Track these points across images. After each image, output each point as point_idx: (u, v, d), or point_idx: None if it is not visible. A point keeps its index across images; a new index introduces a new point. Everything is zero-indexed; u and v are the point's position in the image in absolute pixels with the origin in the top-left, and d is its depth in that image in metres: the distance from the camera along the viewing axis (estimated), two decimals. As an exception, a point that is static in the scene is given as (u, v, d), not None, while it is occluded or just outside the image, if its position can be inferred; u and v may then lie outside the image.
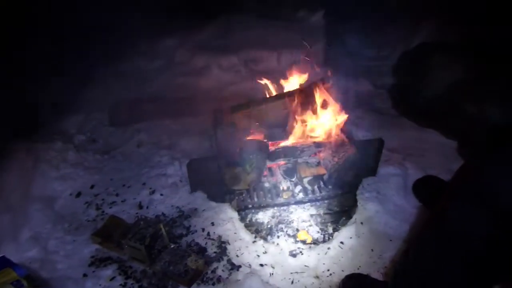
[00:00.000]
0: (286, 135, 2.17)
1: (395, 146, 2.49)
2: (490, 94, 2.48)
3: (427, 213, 1.92)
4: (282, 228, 2.04)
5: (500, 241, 0.97)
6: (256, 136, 2.14)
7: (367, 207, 2.03)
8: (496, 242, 0.97)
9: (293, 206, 2.15)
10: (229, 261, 1.79)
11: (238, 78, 3.26)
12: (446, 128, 2.56)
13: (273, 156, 2.08)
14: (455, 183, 1.08)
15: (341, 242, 1.90)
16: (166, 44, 3.95)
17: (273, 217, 2.12)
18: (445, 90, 2.74)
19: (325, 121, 2.16)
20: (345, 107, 2.94)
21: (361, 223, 1.98)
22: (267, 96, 2.35)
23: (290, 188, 2.12)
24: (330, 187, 2.13)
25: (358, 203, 2.08)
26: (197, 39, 3.92)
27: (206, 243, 1.88)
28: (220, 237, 1.91)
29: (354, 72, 3.75)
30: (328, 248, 1.89)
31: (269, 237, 1.98)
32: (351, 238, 1.92)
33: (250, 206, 2.09)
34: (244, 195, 2.11)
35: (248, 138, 2.11)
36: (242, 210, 2.11)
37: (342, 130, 2.19)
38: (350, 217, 2.04)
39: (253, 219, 2.11)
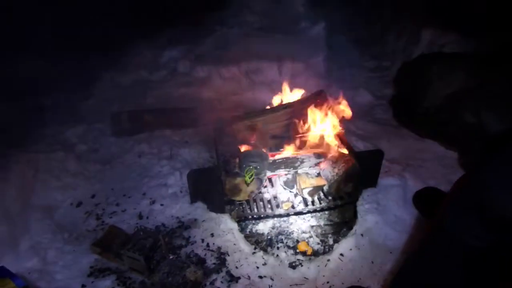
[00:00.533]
0: (286, 146, 2.17)
1: (395, 156, 2.49)
2: (488, 103, 2.49)
3: (426, 224, 1.91)
4: (282, 239, 2.03)
5: (498, 249, 0.97)
6: (257, 146, 2.15)
7: (367, 218, 2.02)
8: (494, 249, 0.97)
9: (293, 217, 2.14)
10: (228, 272, 1.78)
11: (239, 89, 3.29)
12: (446, 138, 2.56)
13: (273, 166, 2.09)
14: (453, 193, 1.08)
15: (341, 254, 1.89)
16: (169, 55, 3.99)
17: (273, 228, 2.12)
18: (444, 100, 2.76)
19: (325, 132, 2.16)
20: (345, 118, 2.96)
21: (361, 234, 1.97)
22: (268, 107, 2.36)
23: (290, 199, 2.12)
24: (330, 198, 2.12)
25: (358, 215, 2.07)
26: (199, 50, 3.96)
27: (205, 254, 1.88)
28: (219, 248, 1.91)
29: (355, 83, 3.78)
30: (328, 260, 1.88)
31: (269, 248, 1.97)
32: (351, 249, 1.91)
33: (250, 217, 2.09)
34: (244, 205, 2.11)
35: (248, 148, 2.12)
36: (242, 221, 2.11)
37: (342, 141, 2.20)
38: (351, 229, 2.03)
39: (253, 230, 2.10)
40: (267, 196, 2.16)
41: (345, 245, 1.94)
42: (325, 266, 1.85)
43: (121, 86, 3.64)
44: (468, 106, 2.59)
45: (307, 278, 1.79)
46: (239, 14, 4.27)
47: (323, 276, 1.80)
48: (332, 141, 2.15)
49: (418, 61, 3.25)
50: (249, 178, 2.05)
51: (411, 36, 3.89)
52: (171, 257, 1.85)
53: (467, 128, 2.49)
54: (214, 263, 1.83)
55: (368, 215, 2.04)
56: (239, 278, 1.76)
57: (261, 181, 2.08)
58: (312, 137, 2.17)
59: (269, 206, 2.10)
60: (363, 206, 2.10)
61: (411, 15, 4.21)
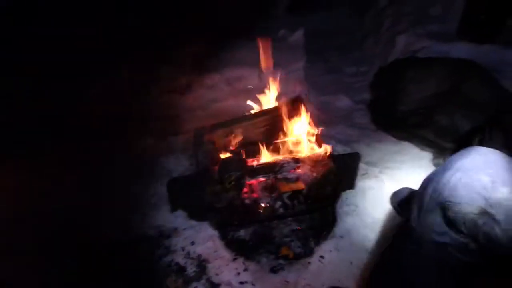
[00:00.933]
0: (265, 152, 2.20)
1: (373, 159, 2.54)
2: (461, 106, 2.58)
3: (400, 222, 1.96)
4: (263, 244, 2.04)
5: (468, 246, 1.00)
6: (236, 154, 2.16)
7: (346, 220, 2.06)
8: (464, 246, 1.00)
9: (274, 222, 2.16)
10: (208, 280, 1.78)
11: (221, 96, 3.31)
12: (421, 141, 2.63)
13: (253, 172, 2.11)
14: (418, 192, 1.12)
15: (321, 256, 1.92)
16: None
17: (254, 233, 2.12)
18: (419, 104, 2.84)
19: (303, 137, 2.20)
20: (323, 123, 3.01)
21: (341, 236, 2.00)
22: (247, 114, 2.39)
23: (270, 204, 2.13)
24: (309, 201, 2.15)
25: (337, 217, 2.11)
26: (181, 58, 3.98)
27: (185, 263, 1.87)
28: (200, 256, 1.91)
29: (335, 89, 3.86)
30: (309, 263, 1.90)
31: (250, 254, 1.98)
32: (331, 251, 1.94)
33: (230, 223, 2.10)
34: (224, 212, 2.11)
35: (228, 155, 2.14)
36: (222, 228, 2.11)
37: (320, 145, 2.24)
38: (330, 231, 2.06)
39: (234, 236, 2.10)
40: (247, 202, 2.17)
41: (325, 248, 1.97)
42: (306, 269, 1.87)
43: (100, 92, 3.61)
44: (442, 109, 2.68)
45: (288, 282, 1.81)
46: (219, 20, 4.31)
47: (304, 279, 1.82)
48: (310, 145, 2.19)
49: (393, 66, 3.35)
50: (229, 184, 2.06)
51: (388, 41, 4.01)
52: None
53: (441, 130, 2.57)
54: (194, 271, 1.82)
55: (347, 217, 2.07)
56: (219, 285, 1.76)
57: (241, 187, 2.09)
58: (290, 142, 2.20)
59: (249, 211, 2.11)
60: (342, 208, 2.13)
61: (388, 21, 4.35)
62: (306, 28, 4.38)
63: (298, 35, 3.87)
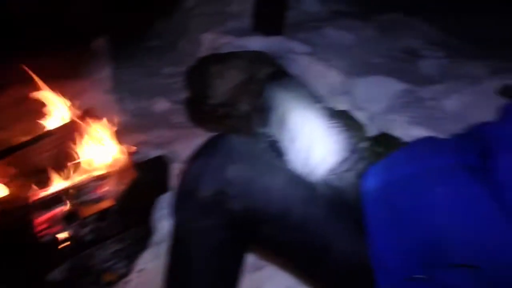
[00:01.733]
0: (57, 177, 1.94)
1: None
2: (256, 94, 2.90)
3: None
4: (81, 279, 1.84)
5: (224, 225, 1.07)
6: (18, 187, 1.84)
7: (163, 225, 2.03)
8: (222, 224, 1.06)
9: (90, 249, 1.96)
10: None
11: (5, 121, 2.78)
12: (230, 129, 2.83)
13: (44, 205, 1.84)
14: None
15: (141, 270, 1.85)
16: None
17: (70, 270, 1.88)
18: (224, 96, 3.06)
19: (101, 151, 2.04)
20: (140, 129, 2.89)
21: (159, 243, 1.96)
22: (29, 138, 2.06)
23: (75, 233, 1.91)
24: (123, 217, 2.03)
25: (154, 224, 2.06)
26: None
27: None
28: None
29: (151, 92, 3.78)
30: (130, 280, 1.81)
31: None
32: (151, 261, 1.89)
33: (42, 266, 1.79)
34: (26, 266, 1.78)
35: (6, 191, 1.79)
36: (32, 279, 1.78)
37: (125, 154, 2.13)
38: (149, 241, 2.00)
39: (48, 281, 1.81)
40: (49, 238, 1.89)
41: (146, 259, 1.91)
42: (129, 286, 1.77)
43: None
44: (242, 98, 2.95)
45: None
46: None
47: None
48: (111, 158, 2.05)
49: (200, 63, 3.50)
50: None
51: (196, 41, 4.16)
52: None
53: (243, 117, 2.83)
54: None
55: (163, 221, 2.04)
56: None
57: (31, 227, 1.80)
58: (87, 160, 2.01)
59: (52, 251, 1.84)
60: (158, 214, 2.09)
61: (194, 22, 4.53)
62: (113, 31, 4.14)
63: (100, 41, 3.59)
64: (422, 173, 0.96)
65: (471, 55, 3.61)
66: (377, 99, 3.00)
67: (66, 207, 1.88)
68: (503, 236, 0.77)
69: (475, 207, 0.82)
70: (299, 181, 1.12)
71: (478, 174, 0.85)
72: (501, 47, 3.70)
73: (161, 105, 3.49)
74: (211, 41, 3.89)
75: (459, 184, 0.86)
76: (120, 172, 2.01)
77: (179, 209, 1.11)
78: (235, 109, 2.88)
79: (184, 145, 2.75)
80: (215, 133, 1.17)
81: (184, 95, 3.76)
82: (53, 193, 1.85)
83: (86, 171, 1.97)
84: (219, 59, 3.42)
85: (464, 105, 2.73)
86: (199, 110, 3.12)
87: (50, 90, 2.47)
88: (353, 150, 1.33)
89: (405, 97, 3.00)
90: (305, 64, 3.42)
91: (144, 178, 2.04)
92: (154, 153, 2.62)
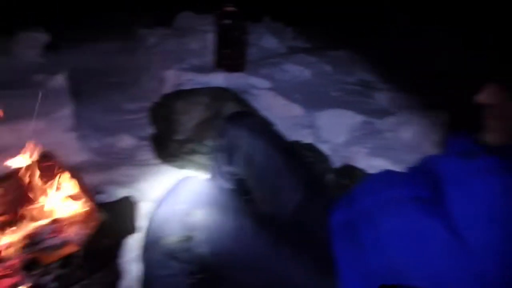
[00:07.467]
0: (12, 226, 1.84)
1: (156, 195, 2.56)
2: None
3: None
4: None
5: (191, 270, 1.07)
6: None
7: (132, 268, 1.96)
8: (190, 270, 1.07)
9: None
10: None
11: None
12: (196, 165, 2.85)
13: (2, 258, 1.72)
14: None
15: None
16: None
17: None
18: (190, 132, 3.10)
19: (61, 195, 1.98)
20: (104, 168, 2.83)
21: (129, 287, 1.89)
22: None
23: (36, 283, 1.79)
24: (89, 262, 1.94)
25: (122, 268, 1.99)
26: None
27: None
28: None
29: (115, 129, 3.71)
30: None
31: None
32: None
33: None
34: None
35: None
36: None
37: (89, 197, 2.06)
38: (119, 285, 1.93)
39: None
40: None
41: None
42: None
43: None
44: (208, 134, 3.00)
45: None
46: None
47: None
48: (72, 202, 1.98)
49: (165, 100, 3.54)
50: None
51: (159, 77, 4.21)
52: None
53: (208, 153, 2.87)
54: None
55: (132, 264, 1.98)
56: None
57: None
58: (45, 205, 1.93)
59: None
60: (127, 256, 2.03)
61: (156, 58, 4.59)
62: (72, 67, 4.07)
63: (60, 78, 3.53)
64: (380, 205, 1.05)
65: (416, 87, 3.97)
66: (339, 131, 3.18)
67: (26, 255, 1.77)
68: (459, 263, 0.84)
69: (428, 238, 0.91)
70: (264, 224, 1.17)
71: (429, 206, 0.95)
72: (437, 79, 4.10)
73: (126, 142, 3.43)
74: (174, 78, 3.96)
75: (410, 216, 0.96)
76: (84, 215, 1.95)
77: (146, 256, 1.11)
78: (201, 145, 2.92)
79: (151, 183, 2.71)
80: (181, 176, 1.21)
81: (149, 131, 3.74)
82: (8, 243, 1.74)
83: (45, 216, 1.89)
84: (184, 95, 3.48)
85: (416, 136, 2.97)
86: (165, 147, 3.12)
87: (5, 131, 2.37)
88: (318, 184, 1.42)
89: (364, 129, 3.22)
90: (267, 99, 3.57)
91: (110, 219, 1.99)
92: (120, 192, 2.57)
